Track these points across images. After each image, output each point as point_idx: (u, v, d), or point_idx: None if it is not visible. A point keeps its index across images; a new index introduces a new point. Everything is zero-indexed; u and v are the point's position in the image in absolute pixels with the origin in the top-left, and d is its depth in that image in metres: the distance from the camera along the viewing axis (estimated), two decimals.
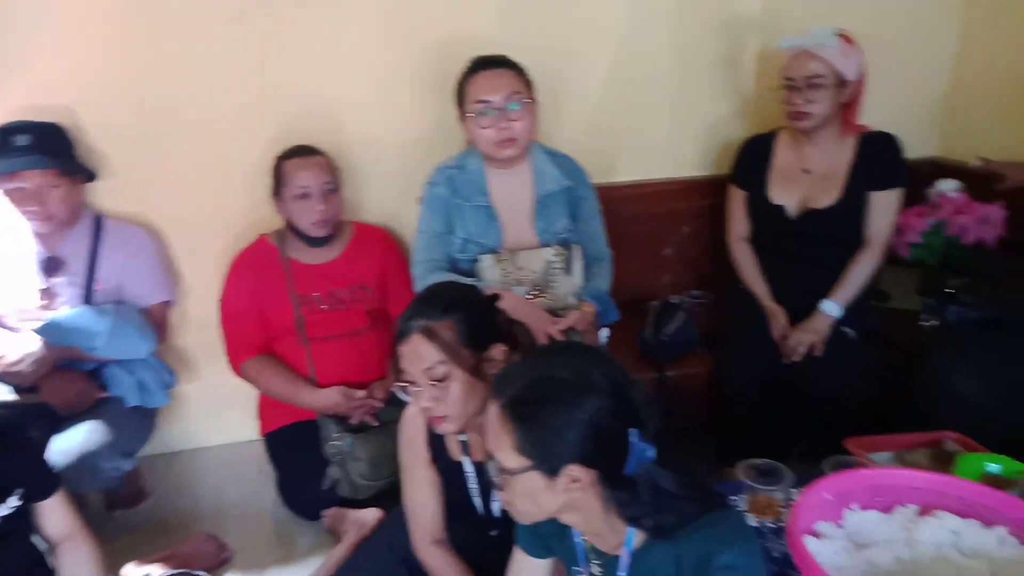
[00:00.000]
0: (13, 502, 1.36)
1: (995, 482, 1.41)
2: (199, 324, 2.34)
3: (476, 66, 1.95)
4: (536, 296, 2.01)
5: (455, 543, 1.57)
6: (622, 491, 1.05)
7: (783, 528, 1.35)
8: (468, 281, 1.93)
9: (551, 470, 1.02)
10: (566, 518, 1.12)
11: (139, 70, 2.11)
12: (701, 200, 2.54)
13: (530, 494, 1.05)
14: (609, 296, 2.07)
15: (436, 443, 1.52)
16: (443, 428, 1.37)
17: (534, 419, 1.02)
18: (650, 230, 2.54)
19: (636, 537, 1.10)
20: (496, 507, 1.51)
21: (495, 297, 1.47)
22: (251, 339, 2.14)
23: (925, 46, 2.63)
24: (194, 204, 2.26)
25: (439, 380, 1.30)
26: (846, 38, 2.04)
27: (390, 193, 2.39)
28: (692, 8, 2.44)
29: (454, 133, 2.09)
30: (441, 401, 1.32)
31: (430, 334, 1.29)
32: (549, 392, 1.03)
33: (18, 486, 1.37)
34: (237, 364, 2.16)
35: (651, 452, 1.04)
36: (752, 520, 1.47)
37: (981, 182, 2.23)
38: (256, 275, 2.13)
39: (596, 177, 2.20)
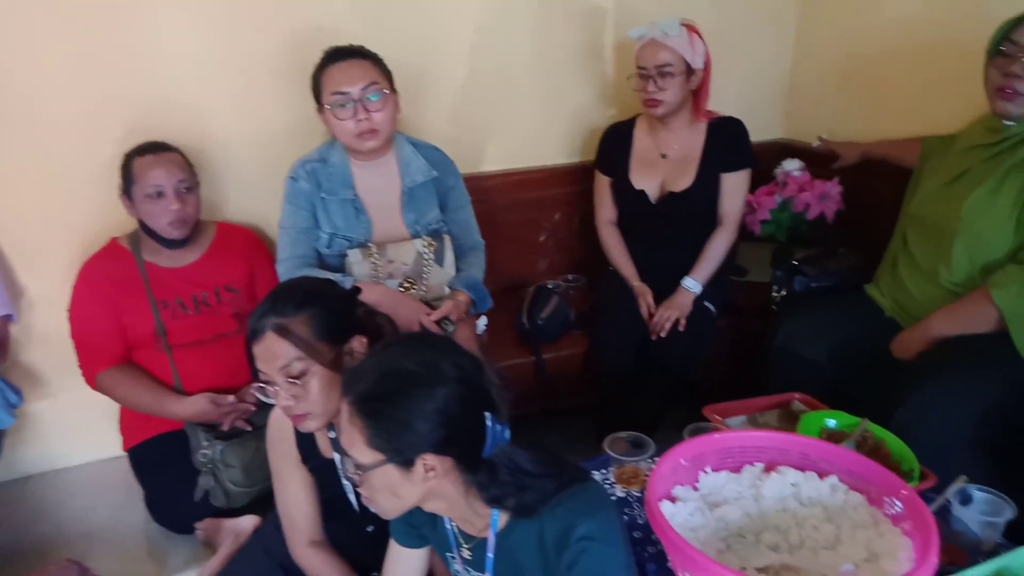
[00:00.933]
0: None
1: (832, 436, 1.54)
2: (48, 338, 2.18)
3: (331, 57, 1.91)
4: (408, 288, 2.00)
5: (332, 542, 1.55)
6: (481, 474, 1.07)
7: None
8: (335, 276, 1.90)
9: (405, 462, 1.02)
10: (430, 506, 1.13)
11: None
12: (571, 186, 2.61)
13: (388, 487, 1.06)
14: (482, 284, 2.09)
15: (306, 442, 1.49)
16: (306, 426, 1.35)
17: (383, 413, 1.02)
18: (523, 218, 2.60)
19: (500, 518, 1.13)
20: None
21: (355, 290, 1.46)
22: (105, 349, 2.01)
23: (765, 36, 2.80)
24: (34, 209, 2.10)
25: (297, 377, 1.28)
26: (691, 28, 2.14)
27: (253, 190, 2.31)
28: None
29: (315, 125, 2.05)
30: (301, 399, 1.29)
31: (283, 331, 1.26)
32: (396, 385, 1.03)
33: None
34: (91, 377, 2.02)
35: (507, 433, 1.06)
36: (619, 490, 1.54)
37: (821, 160, 2.41)
38: (109, 282, 2.00)
39: (465, 167, 2.21)
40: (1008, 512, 1.29)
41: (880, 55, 2.49)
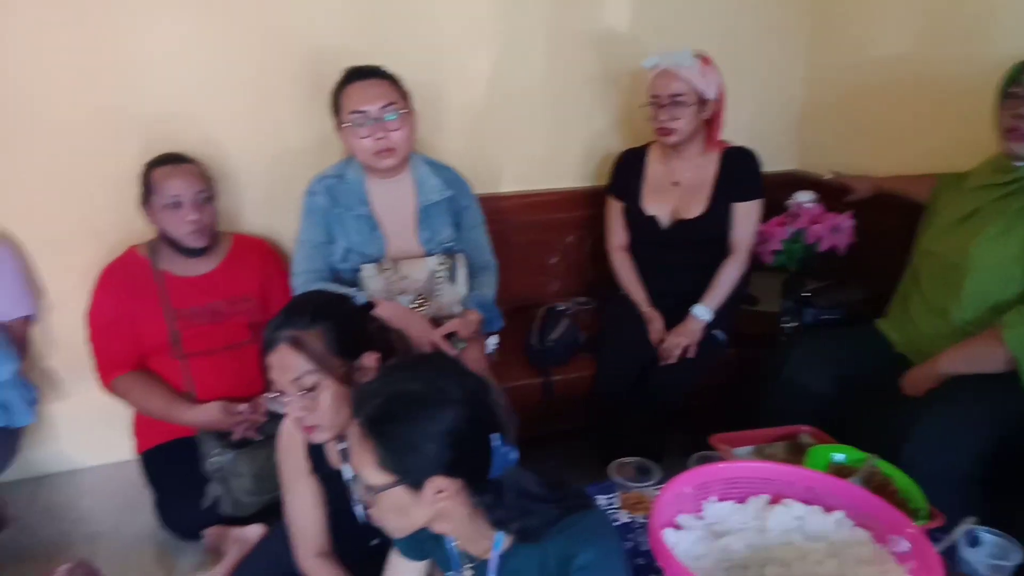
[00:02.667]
0: None
1: (840, 471, 1.54)
2: (66, 341, 2.22)
3: (350, 76, 1.95)
4: (420, 305, 2.02)
5: (337, 554, 1.56)
6: (488, 496, 1.08)
7: None
8: (350, 291, 1.93)
9: (415, 483, 1.04)
10: (437, 527, 1.14)
11: None
12: (583, 210, 2.63)
13: (398, 509, 1.07)
14: (494, 304, 2.11)
15: (316, 452, 1.50)
16: (316, 437, 1.37)
17: (392, 435, 1.03)
18: (536, 239, 2.62)
19: (504, 541, 1.14)
20: None
21: (369, 305, 1.48)
22: (121, 354, 2.04)
23: (778, 66, 2.83)
24: (57, 215, 2.15)
25: (309, 390, 1.30)
26: (704, 59, 2.17)
27: (269, 203, 2.35)
28: (565, 25, 2.51)
29: (333, 142, 2.08)
30: (312, 411, 1.31)
31: (297, 344, 1.28)
32: (404, 407, 1.04)
33: None
34: (107, 380, 2.06)
35: (514, 455, 1.07)
36: (624, 516, 1.55)
37: (834, 193, 2.43)
38: (126, 289, 2.04)
39: (480, 188, 2.24)
40: (1017, 556, 1.29)
41: (889, 88, 2.52)
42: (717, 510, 1.36)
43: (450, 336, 1.97)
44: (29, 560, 1.97)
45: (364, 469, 1.05)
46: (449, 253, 2.08)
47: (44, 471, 2.35)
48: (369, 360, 1.36)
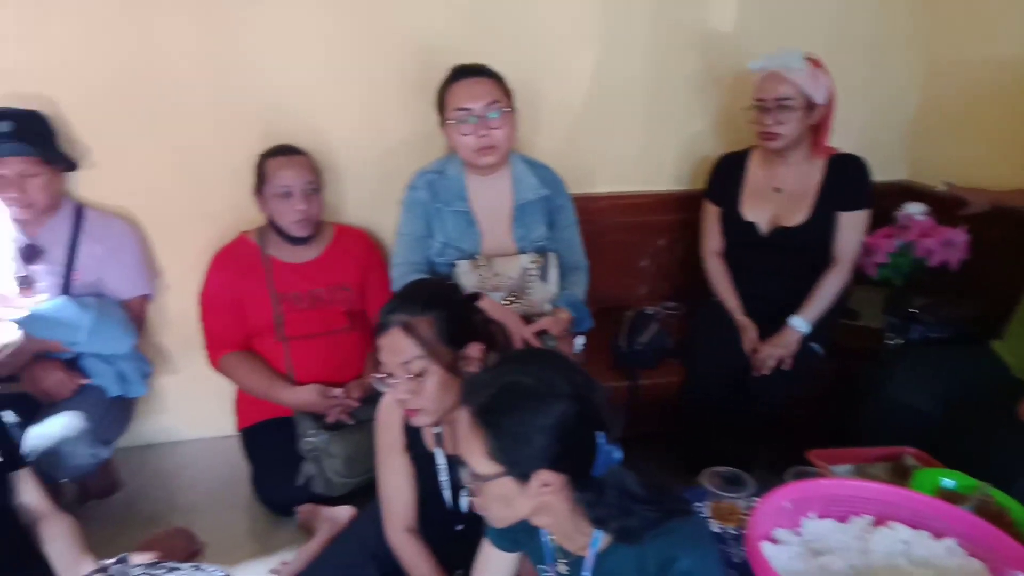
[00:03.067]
0: None
1: (950, 497, 1.47)
2: (178, 319, 2.36)
3: (456, 74, 1.98)
4: (512, 302, 2.04)
5: (421, 535, 1.60)
6: (589, 493, 1.09)
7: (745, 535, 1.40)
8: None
9: (523, 475, 1.05)
10: (536, 520, 1.15)
11: (120, 61, 2.12)
12: (676, 214, 2.59)
13: (503, 499, 1.08)
14: (584, 304, 2.11)
15: (411, 432, 1.54)
16: (417, 420, 1.41)
17: (503, 426, 1.04)
18: (627, 241, 2.60)
19: (602, 539, 1.14)
20: (464, 503, 1.54)
21: (475, 296, 1.51)
22: (229, 335, 2.15)
23: (892, 70, 2.71)
24: (176, 199, 2.28)
25: (417, 375, 1.34)
26: (814, 61, 2.10)
27: (371, 196, 2.42)
28: (667, 25, 2.49)
29: (435, 138, 2.13)
30: (417, 394, 1.35)
31: (409, 329, 1.32)
32: (516, 399, 1.05)
33: None
34: (215, 359, 2.17)
35: (618, 454, 1.08)
36: (715, 526, 1.52)
37: (946, 206, 2.31)
38: (236, 272, 2.15)
39: (574, 187, 2.24)
40: None
41: (1011, 94, 2.37)
42: (817, 527, 1.33)
43: (540, 334, 1.98)
44: (134, 523, 2.10)
45: (472, 457, 1.07)
46: (542, 251, 2.09)
47: (153, 440, 2.50)
48: (474, 350, 1.39)
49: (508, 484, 1.06)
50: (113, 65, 2.12)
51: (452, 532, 1.57)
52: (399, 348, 1.33)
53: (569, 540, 1.18)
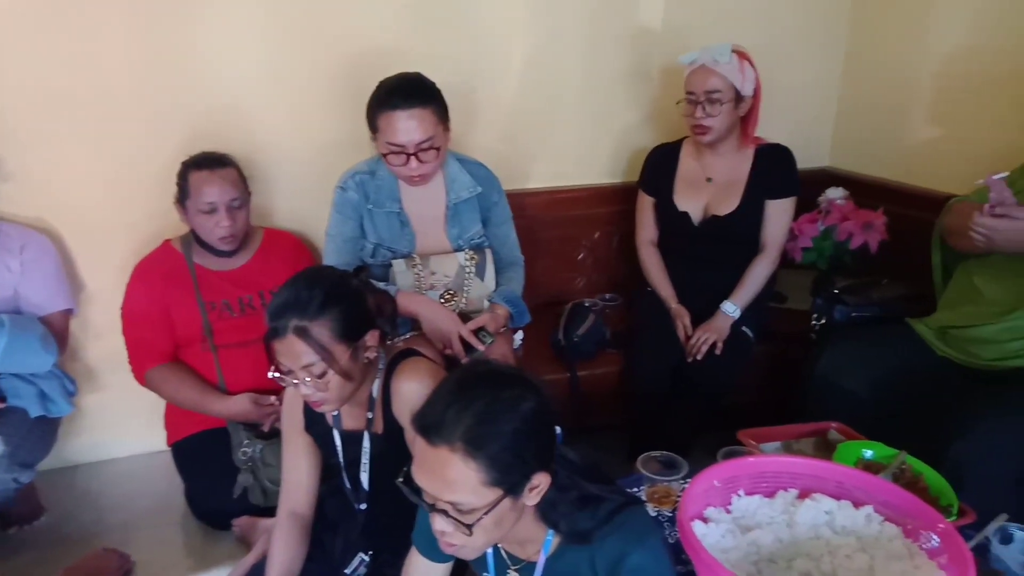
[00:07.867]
0: None
1: (869, 467, 1.52)
2: (104, 333, 2.28)
3: (391, 98, 1.84)
4: (449, 300, 2.03)
5: (326, 518, 1.62)
6: (551, 491, 1.06)
7: None
8: (380, 286, 1.94)
9: (518, 489, 1.02)
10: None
11: (32, 68, 2.04)
12: (612, 206, 2.63)
13: (499, 521, 1.02)
14: (521, 299, 2.11)
15: (311, 409, 1.53)
16: (322, 409, 1.42)
17: (496, 448, 0.98)
18: (564, 235, 2.62)
19: (553, 542, 1.13)
20: (364, 479, 1.54)
21: (367, 283, 1.52)
22: (155, 346, 2.08)
23: (814, 61, 2.80)
24: (97, 209, 2.20)
25: (318, 376, 1.33)
26: (741, 54, 2.15)
27: (301, 198, 2.38)
28: (600, 21, 2.52)
29: (365, 140, 2.09)
30: (320, 390, 1.36)
31: (305, 334, 1.30)
32: (494, 416, 0.99)
33: None
34: (141, 372, 2.10)
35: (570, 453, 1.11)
36: (651, 509, 1.54)
37: (865, 190, 2.39)
38: (161, 281, 2.08)
39: (510, 183, 2.25)
40: None
41: (930, 84, 2.47)
42: (745, 504, 1.35)
43: (478, 331, 1.97)
44: (64, 546, 2.02)
45: (467, 493, 0.98)
46: (478, 249, 2.09)
47: (80, 460, 2.41)
48: (371, 339, 1.41)
49: (505, 505, 1.01)
50: (22, 71, 2.03)
51: (355, 512, 1.58)
52: (296, 353, 1.32)
53: (519, 547, 1.16)
